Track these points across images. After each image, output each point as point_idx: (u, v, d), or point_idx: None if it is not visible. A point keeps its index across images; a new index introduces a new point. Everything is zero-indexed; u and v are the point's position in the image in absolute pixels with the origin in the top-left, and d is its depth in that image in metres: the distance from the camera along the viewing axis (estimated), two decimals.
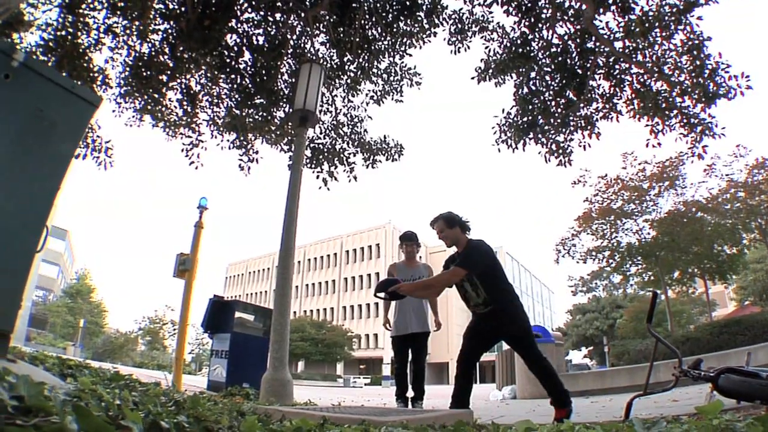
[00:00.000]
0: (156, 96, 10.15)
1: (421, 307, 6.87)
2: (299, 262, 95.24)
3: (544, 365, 4.70)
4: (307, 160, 10.60)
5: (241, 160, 10.93)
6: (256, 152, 11.04)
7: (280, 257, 7.36)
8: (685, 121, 8.52)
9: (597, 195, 18.60)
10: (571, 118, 9.09)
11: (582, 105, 8.94)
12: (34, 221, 2.92)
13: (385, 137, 11.02)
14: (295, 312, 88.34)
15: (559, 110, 9.05)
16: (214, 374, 9.62)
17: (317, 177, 10.68)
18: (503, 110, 9.31)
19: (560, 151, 9.31)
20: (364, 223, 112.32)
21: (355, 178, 10.90)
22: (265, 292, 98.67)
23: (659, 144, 8.81)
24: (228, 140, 10.87)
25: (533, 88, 9.14)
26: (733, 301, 42.22)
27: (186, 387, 9.04)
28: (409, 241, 7.15)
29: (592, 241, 19.62)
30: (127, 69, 9.94)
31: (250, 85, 10.15)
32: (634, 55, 8.41)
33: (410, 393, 6.82)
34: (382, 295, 5.24)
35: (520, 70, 9.00)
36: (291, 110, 8.37)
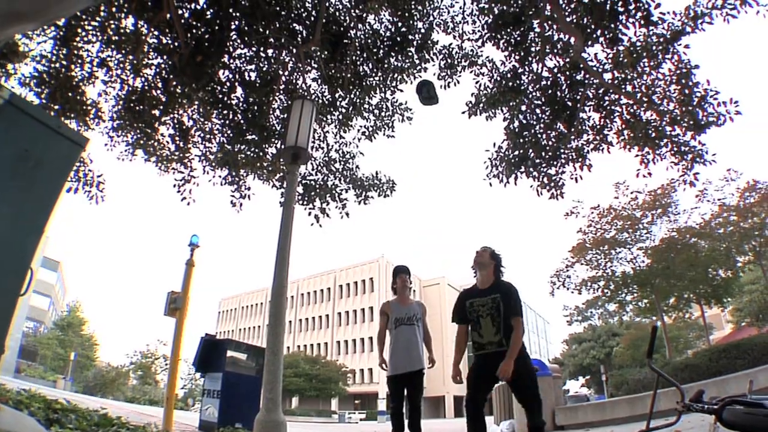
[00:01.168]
0: (148, 131, 10.13)
1: (416, 345, 6.74)
2: (292, 296, 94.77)
3: (539, 406, 4.71)
4: (299, 197, 10.57)
5: (233, 196, 10.88)
6: (248, 188, 11.01)
7: (272, 295, 7.28)
8: (675, 149, 8.56)
9: (590, 225, 18.67)
10: (562, 150, 9.11)
11: (573, 137, 8.98)
12: (18, 264, 2.85)
13: (377, 173, 11.02)
14: (288, 347, 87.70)
15: (550, 143, 9.08)
16: (206, 414, 9.45)
17: (309, 214, 10.63)
18: (494, 144, 9.35)
19: (552, 184, 9.29)
20: (358, 258, 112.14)
21: (347, 214, 10.86)
22: (258, 327, 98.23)
23: (650, 174, 8.84)
24: (220, 176, 10.85)
25: (524, 121, 9.17)
26: (730, 324, 42.11)
27: (177, 426, 8.93)
28: (404, 273, 7.05)
29: (587, 272, 19.64)
30: (120, 102, 9.94)
31: (242, 121, 10.15)
32: (623, 86, 8.49)
33: None
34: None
35: (511, 103, 9.04)
36: (283, 146, 8.36)
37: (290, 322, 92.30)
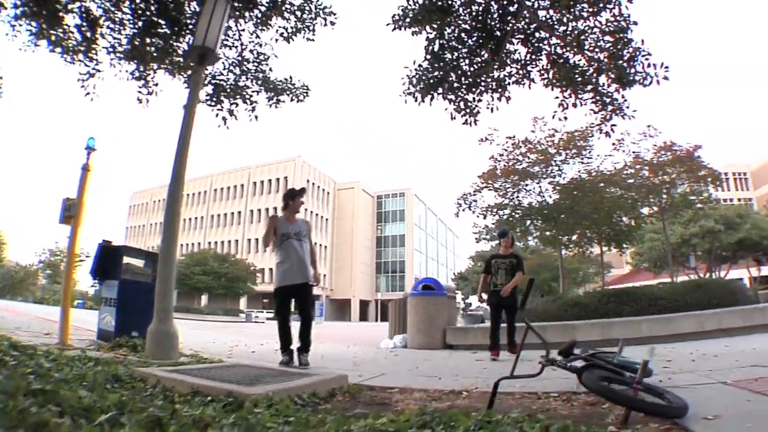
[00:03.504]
0: (54, 19, 9.21)
1: (305, 259, 6.81)
2: (205, 191, 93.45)
3: (514, 322, 8.41)
4: (208, 97, 9.96)
5: (140, 92, 10.18)
6: (156, 84, 10.30)
7: (167, 203, 6.91)
8: (597, 98, 8.51)
9: (503, 154, 18.52)
10: (483, 78, 8.86)
11: (495, 67, 8.74)
12: None
13: (290, 77, 10.47)
14: (199, 243, 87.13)
15: (472, 69, 8.80)
16: (103, 323, 9.08)
17: (216, 115, 10.07)
18: (414, 62, 8.91)
19: (468, 110, 9.10)
20: (274, 155, 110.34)
21: (256, 117, 10.35)
22: (202, 217, 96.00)
23: (566, 118, 8.82)
24: (127, 71, 10.07)
25: (448, 44, 8.80)
26: (629, 265, 44.49)
27: (76, 336, 8.63)
28: (300, 196, 7.15)
29: (494, 198, 19.89)
30: None
31: (154, 12, 9.37)
32: (556, 27, 8.24)
33: (297, 344, 6.67)
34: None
35: (437, 23, 8.61)
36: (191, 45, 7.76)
37: (202, 217, 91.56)
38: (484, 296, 8.78)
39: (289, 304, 6.85)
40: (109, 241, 9.51)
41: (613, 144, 19.18)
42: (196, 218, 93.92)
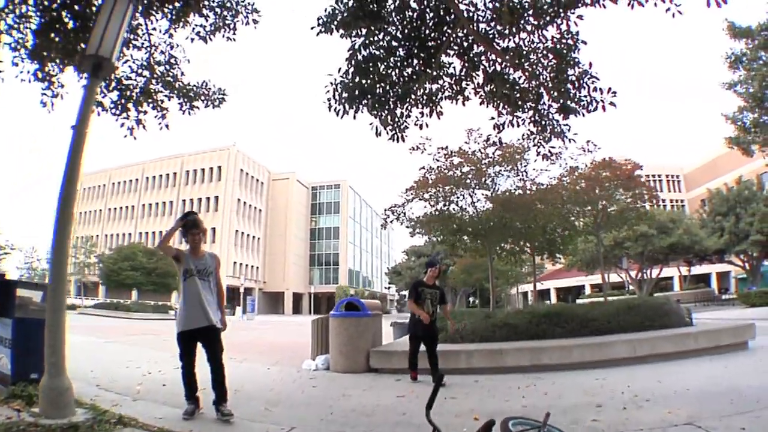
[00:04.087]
0: None
1: (211, 300, 6.02)
2: (137, 179, 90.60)
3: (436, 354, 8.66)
4: (113, 104, 8.89)
5: (44, 94, 8.99)
6: (62, 86, 9.12)
7: (52, 255, 5.92)
8: (537, 118, 7.91)
9: (435, 166, 17.81)
10: (414, 90, 8.12)
11: (427, 81, 8.03)
12: None
13: (205, 82, 9.46)
14: (130, 234, 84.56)
15: (402, 80, 8.02)
16: None
17: (122, 125, 8.99)
18: (339, 69, 8.00)
19: (395, 124, 8.36)
20: (207, 144, 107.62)
21: (167, 126, 9.37)
22: (99, 211, 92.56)
23: (500, 140, 8.25)
24: (29, 71, 8.85)
25: (376, 52, 7.94)
26: (560, 264, 45.05)
27: None
28: (195, 228, 6.28)
29: (424, 208, 19.31)
30: None
31: (58, 5, 8.25)
32: (497, 40, 7.53)
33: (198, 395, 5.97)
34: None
35: (364, 30, 7.77)
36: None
37: (133, 206, 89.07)
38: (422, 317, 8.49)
39: (193, 349, 5.99)
40: (2, 273, 8.37)
41: (549, 159, 18.38)
42: (126, 207, 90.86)
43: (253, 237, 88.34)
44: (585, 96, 7.24)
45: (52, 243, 5.78)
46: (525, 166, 18.24)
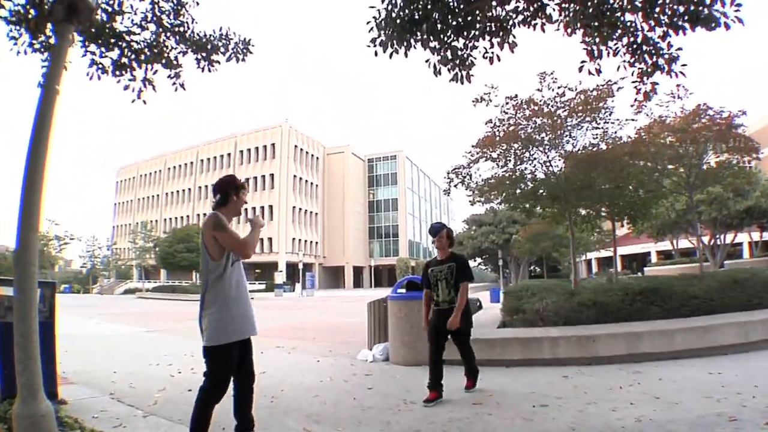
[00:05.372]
0: None
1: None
2: (192, 162, 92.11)
3: (471, 350, 6.50)
4: (113, 65, 7.40)
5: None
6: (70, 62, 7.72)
7: (17, 254, 4.45)
8: (633, 44, 6.00)
9: (503, 120, 14.99)
10: (478, 16, 6.35)
11: (495, 1, 6.21)
12: None
13: (226, 33, 7.70)
14: (187, 216, 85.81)
15: (462, 5, 6.23)
16: None
17: (126, 87, 7.46)
18: None
19: (457, 60, 6.62)
20: (260, 122, 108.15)
21: (182, 86, 7.83)
22: (157, 196, 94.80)
23: (598, 71, 6.26)
24: (24, 42, 7.43)
25: None
26: (626, 228, 42.42)
27: None
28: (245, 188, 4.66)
29: (492, 170, 16.36)
30: None
31: None
32: None
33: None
34: None
35: None
36: None
37: (189, 189, 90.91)
38: (423, 322, 6.67)
39: (234, 366, 4.24)
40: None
41: (632, 105, 15.58)
42: (182, 191, 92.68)
43: (311, 212, 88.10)
44: (701, 11, 5.26)
45: (17, 237, 4.43)
46: (609, 114, 15.00)
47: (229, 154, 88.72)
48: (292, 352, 10.28)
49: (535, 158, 15.37)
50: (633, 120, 15.80)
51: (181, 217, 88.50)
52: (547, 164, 15.32)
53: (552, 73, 14.55)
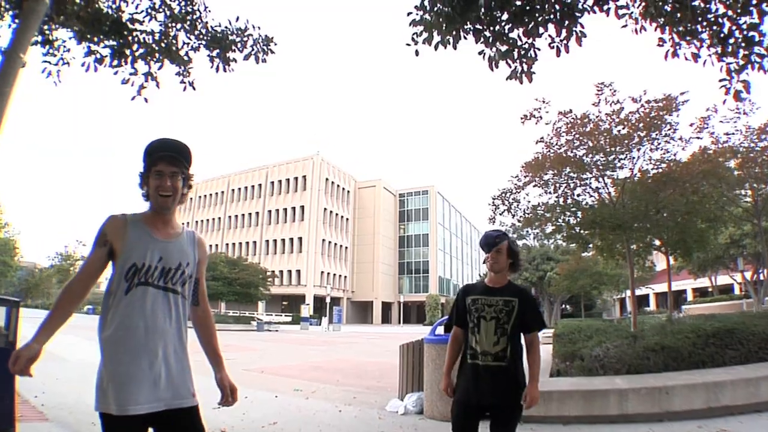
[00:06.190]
0: None
1: (181, 335, 2.62)
2: (222, 192, 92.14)
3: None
4: (110, 53, 6.44)
5: (46, 61, 6.65)
6: (68, 50, 6.82)
7: None
8: (721, 35, 4.84)
9: (554, 137, 13.42)
10: (540, 2, 5.23)
11: None
12: None
13: (244, 25, 6.74)
14: (216, 245, 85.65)
15: None
16: None
17: (125, 81, 6.48)
18: None
19: (518, 53, 5.43)
20: (291, 153, 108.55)
21: (191, 85, 6.83)
22: (219, 218, 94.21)
23: (695, 57, 5.08)
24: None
25: None
26: (672, 261, 40.38)
27: None
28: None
29: (540, 197, 14.90)
30: None
31: None
32: None
33: None
34: None
35: None
36: None
37: (219, 218, 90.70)
38: (453, 378, 3.75)
39: None
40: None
41: (692, 124, 13.72)
42: (213, 219, 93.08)
43: (341, 246, 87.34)
44: None
45: None
46: (673, 131, 13.10)
47: (260, 185, 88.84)
48: (311, 397, 8.98)
49: (587, 183, 13.78)
50: (698, 138, 14.05)
51: (211, 246, 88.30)
52: (599, 191, 13.74)
53: (611, 84, 13.02)
